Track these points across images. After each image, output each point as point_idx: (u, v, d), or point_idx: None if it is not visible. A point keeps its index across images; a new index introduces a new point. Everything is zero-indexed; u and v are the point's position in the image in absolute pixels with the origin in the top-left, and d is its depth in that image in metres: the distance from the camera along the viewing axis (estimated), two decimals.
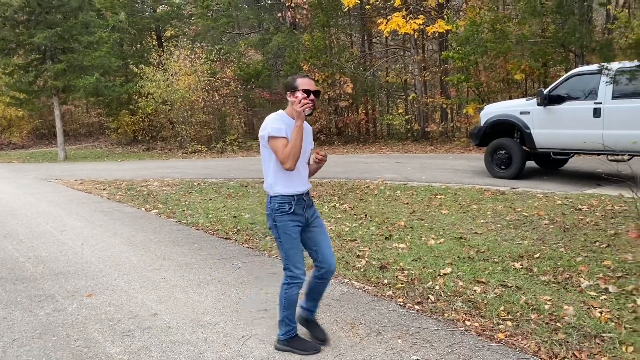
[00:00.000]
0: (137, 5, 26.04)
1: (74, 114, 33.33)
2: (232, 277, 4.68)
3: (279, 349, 3.25)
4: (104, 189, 10.72)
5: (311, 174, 3.35)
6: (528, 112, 9.07)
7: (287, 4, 20.57)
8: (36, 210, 8.49)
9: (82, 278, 4.81)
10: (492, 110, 9.96)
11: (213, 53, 20.79)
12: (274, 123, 3.05)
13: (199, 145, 19.91)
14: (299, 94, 3.01)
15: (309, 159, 3.32)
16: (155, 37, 28.22)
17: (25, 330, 3.66)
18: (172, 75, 20.34)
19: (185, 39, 24.48)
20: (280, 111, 3.16)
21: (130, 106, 23.80)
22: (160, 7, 26.91)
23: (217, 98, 20.51)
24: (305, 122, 3.16)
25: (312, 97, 3.06)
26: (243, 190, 9.58)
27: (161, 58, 21.37)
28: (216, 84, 20.69)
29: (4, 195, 10.32)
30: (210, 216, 7.38)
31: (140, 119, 24.08)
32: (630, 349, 3.02)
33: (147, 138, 24.26)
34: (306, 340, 3.28)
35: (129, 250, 5.78)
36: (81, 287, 4.54)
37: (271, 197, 3.12)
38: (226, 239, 6.16)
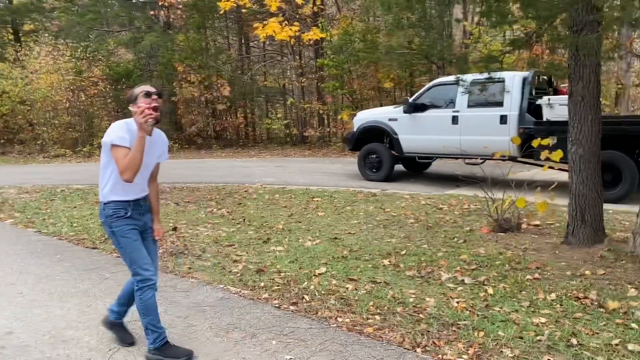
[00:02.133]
0: None
1: None
2: (98, 288, 4.42)
3: (150, 359, 3.15)
4: None
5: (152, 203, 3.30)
6: (395, 119, 9.66)
7: (160, 3, 19.83)
8: None
9: None
10: (364, 117, 10.47)
11: (79, 51, 19.42)
12: (119, 131, 2.92)
13: (64, 149, 18.44)
14: (142, 104, 2.90)
15: (156, 170, 3.27)
16: (11, 31, 25.67)
17: None
18: (31, 72, 18.67)
19: (47, 35, 22.56)
20: (130, 119, 3.01)
21: None
22: None
23: (83, 98, 19.18)
24: (161, 134, 3.16)
25: (156, 101, 2.96)
26: None
27: (19, 54, 19.51)
28: (83, 83, 19.34)
29: None
30: (75, 225, 6.89)
31: None
32: (482, 333, 3.35)
33: (2, 141, 21.99)
34: (178, 346, 3.21)
35: None
36: None
37: (104, 203, 3.04)
38: (93, 248, 5.79)
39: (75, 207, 8.23)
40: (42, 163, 16.92)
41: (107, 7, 21.18)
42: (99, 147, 16.36)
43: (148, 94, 2.96)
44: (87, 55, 19.54)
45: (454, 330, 3.42)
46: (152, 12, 21.01)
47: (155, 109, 2.93)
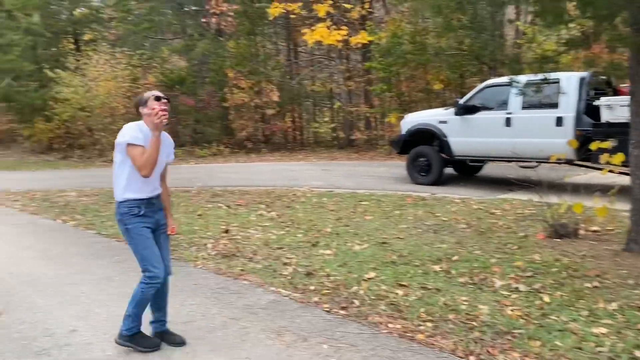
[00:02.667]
0: (52, 7, 24.69)
1: None
2: None
3: (120, 344, 3.31)
4: (15, 200, 10.09)
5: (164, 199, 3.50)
6: (446, 121, 9.52)
7: (211, 11, 20.31)
8: None
9: None
10: (413, 120, 10.36)
11: (135, 58, 20.13)
12: (133, 132, 3.17)
13: None
14: (156, 106, 3.12)
15: (165, 171, 3.51)
16: (72, 41, 26.89)
17: None
18: (90, 80, 19.49)
19: (105, 44, 23.51)
20: (140, 122, 3.27)
21: (46, 112, 22.48)
22: (78, 10, 25.68)
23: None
24: (167, 136, 3.37)
25: (166, 105, 3.17)
26: None
27: (79, 62, 20.42)
28: (138, 90, 20.02)
29: None
30: None
31: (56, 126, 22.77)
32: (538, 343, 3.26)
33: (64, 146, 23.03)
34: (148, 336, 3.37)
35: (45, 264, 5.49)
36: None
37: (120, 202, 3.24)
38: None
39: None
40: (100, 167, 17.64)
41: (160, 15, 21.88)
42: None
43: (158, 98, 3.18)
44: (142, 62, 20.22)
45: (509, 339, 3.34)
46: (203, 20, 21.55)
47: (165, 111, 3.12)
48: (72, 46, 26.59)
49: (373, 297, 4.14)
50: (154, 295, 3.33)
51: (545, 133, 8.17)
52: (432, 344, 3.33)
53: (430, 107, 15.79)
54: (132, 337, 3.31)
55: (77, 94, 19.29)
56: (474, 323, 3.59)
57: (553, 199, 5.84)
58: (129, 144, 3.14)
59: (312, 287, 4.43)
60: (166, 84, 20.51)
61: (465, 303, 3.94)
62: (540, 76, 6.16)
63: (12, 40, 19.46)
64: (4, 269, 5.33)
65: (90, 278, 4.96)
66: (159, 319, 3.48)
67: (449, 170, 10.39)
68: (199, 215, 7.80)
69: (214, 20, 20.98)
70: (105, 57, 20.26)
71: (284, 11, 16.96)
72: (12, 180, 14.19)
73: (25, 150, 25.29)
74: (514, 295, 4.06)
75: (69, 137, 22.99)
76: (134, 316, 3.29)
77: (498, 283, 4.34)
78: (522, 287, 4.20)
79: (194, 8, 23.30)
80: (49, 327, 3.79)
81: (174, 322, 3.78)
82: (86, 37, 26.62)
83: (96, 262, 5.51)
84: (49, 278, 4.99)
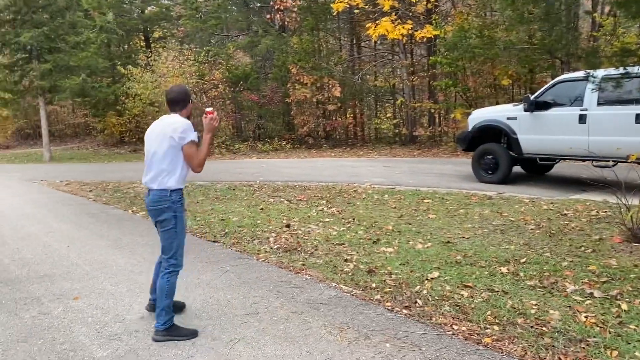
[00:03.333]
0: (125, 5, 25.81)
1: (60, 114, 32.97)
2: (220, 280, 4.66)
3: (158, 340, 3.41)
4: (90, 191, 10.63)
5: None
6: (515, 118, 9.16)
7: (276, 7, 20.55)
8: (21, 212, 8.39)
9: (68, 281, 4.76)
10: (480, 116, 10.04)
11: (202, 55, 20.71)
12: (192, 129, 3.47)
13: None
14: (214, 112, 3.55)
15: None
16: (143, 38, 28.02)
17: (11, 333, 3.62)
18: (160, 76, 20.23)
19: (173, 40, 24.34)
20: (185, 118, 3.58)
21: (117, 107, 23.60)
22: (149, 8, 26.72)
23: (205, 100, 20.42)
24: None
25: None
26: (231, 193, 9.55)
27: (149, 59, 21.23)
28: (204, 86, 20.61)
29: None
30: (198, 219, 7.35)
31: (127, 120, 23.88)
32: (615, 353, 3.07)
33: (134, 139, 24.07)
34: (182, 326, 3.50)
35: (116, 252, 5.73)
36: (67, 290, 4.50)
37: (172, 190, 3.47)
38: (214, 242, 6.13)
39: (197, 202, 8.78)
40: None
41: (227, 12, 22.37)
42: (219, 146, 17.08)
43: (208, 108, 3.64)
44: (209, 59, 20.75)
45: (583, 347, 3.16)
46: (268, 16, 21.85)
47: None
48: (143, 43, 27.74)
49: (437, 298, 4.04)
50: (154, 279, 3.66)
51: (623, 131, 7.68)
52: (500, 348, 3.20)
53: (498, 103, 15.34)
54: (169, 330, 3.43)
55: (146, 89, 20.07)
56: (544, 328, 3.42)
57: (632, 200, 5.48)
58: (192, 141, 3.43)
59: (373, 285, 4.37)
60: (231, 79, 20.95)
61: (534, 307, 3.76)
62: (621, 70, 5.79)
63: (88, 38, 20.47)
64: (80, 256, 5.61)
65: None
66: (154, 299, 3.68)
67: (517, 169, 10.01)
68: (261, 209, 7.91)
69: (278, 16, 21.24)
70: (174, 53, 20.97)
71: (348, 6, 16.89)
72: (86, 171, 14.98)
73: (99, 143, 26.66)
74: (587, 301, 3.85)
75: (138, 130, 24.03)
76: (167, 308, 3.45)
77: (570, 288, 4.12)
78: (596, 293, 3.97)
79: (258, 4, 23.70)
80: (120, 313, 3.95)
81: (238, 314, 3.85)
82: (156, 34, 27.71)
83: None
84: (120, 266, 5.21)
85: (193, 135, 3.43)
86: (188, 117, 3.59)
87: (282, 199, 8.64)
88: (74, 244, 6.16)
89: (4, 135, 27.88)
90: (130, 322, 3.76)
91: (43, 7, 19.10)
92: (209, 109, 3.60)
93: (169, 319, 3.45)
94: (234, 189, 10.02)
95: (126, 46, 27.80)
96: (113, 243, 6.17)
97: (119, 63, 23.60)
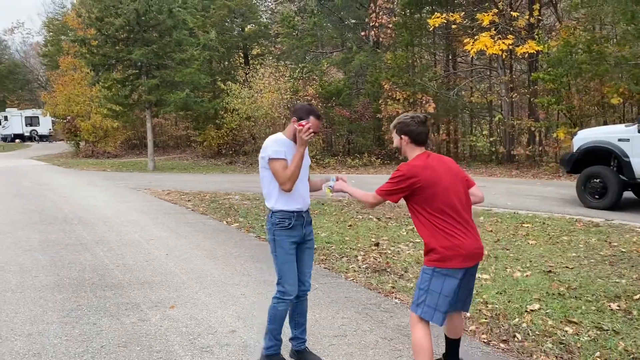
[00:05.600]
0: (227, 24, 27.14)
1: (164, 127, 35.09)
2: (309, 297, 4.64)
3: None
4: (188, 200, 11.15)
5: (313, 189, 3.48)
6: (627, 140, 8.46)
7: (371, 24, 20.63)
8: (126, 218, 8.96)
9: (166, 289, 4.98)
10: (587, 136, 9.39)
11: (297, 71, 21.23)
12: (274, 146, 3.20)
13: None
14: (306, 123, 3.14)
15: (308, 176, 3.45)
16: (242, 55, 29.28)
17: (112, 337, 3.82)
18: (256, 92, 20.96)
19: (270, 57, 25.19)
20: (280, 134, 3.32)
21: (216, 121, 24.77)
22: (249, 26, 27.90)
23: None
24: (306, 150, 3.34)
25: (317, 125, 3.20)
26: (320, 208, 9.61)
27: (247, 75, 22.09)
28: (298, 101, 21.08)
29: (97, 202, 10.98)
30: None
31: (225, 134, 24.98)
32: None
33: (231, 152, 25.11)
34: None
35: (210, 263, 5.93)
36: (164, 298, 4.69)
37: (272, 212, 3.26)
38: None
39: None
40: None
41: (322, 30, 22.80)
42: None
43: (318, 117, 3.23)
44: (303, 75, 21.22)
45: None
46: (362, 33, 21.99)
47: (316, 130, 3.19)
48: (242, 60, 28.97)
49: (538, 333, 3.76)
50: (290, 311, 3.35)
51: None
52: None
53: (606, 123, 14.30)
54: (270, 357, 3.30)
55: (244, 105, 20.87)
56: None
57: None
58: (270, 159, 3.18)
59: (468, 314, 4.16)
60: (324, 95, 21.26)
61: None
62: None
63: (192, 55, 21.68)
64: (177, 265, 5.86)
65: (248, 280, 5.24)
66: (297, 337, 3.44)
67: (628, 194, 9.21)
68: (350, 225, 7.87)
69: (372, 32, 21.30)
70: (270, 70, 21.66)
71: (445, 21, 16.58)
72: (186, 181, 15.76)
73: (198, 154, 28.05)
74: None
75: (235, 144, 25.05)
76: (270, 334, 3.29)
77: None
78: None
79: (353, 21, 23.93)
80: (212, 324, 4.05)
81: (326, 335, 3.81)
82: (254, 51, 28.84)
83: (254, 265, 5.81)
84: (214, 277, 5.37)
85: (271, 152, 3.16)
86: (294, 136, 3.23)
87: (370, 216, 8.55)
88: (172, 252, 6.45)
89: (113, 145, 30.08)
90: (222, 335, 3.84)
91: (153, 26, 20.50)
92: (313, 120, 3.22)
93: (272, 345, 3.31)
94: (322, 204, 10.07)
95: (226, 63, 29.16)
96: (208, 253, 6.39)
97: (220, 79, 24.77)
